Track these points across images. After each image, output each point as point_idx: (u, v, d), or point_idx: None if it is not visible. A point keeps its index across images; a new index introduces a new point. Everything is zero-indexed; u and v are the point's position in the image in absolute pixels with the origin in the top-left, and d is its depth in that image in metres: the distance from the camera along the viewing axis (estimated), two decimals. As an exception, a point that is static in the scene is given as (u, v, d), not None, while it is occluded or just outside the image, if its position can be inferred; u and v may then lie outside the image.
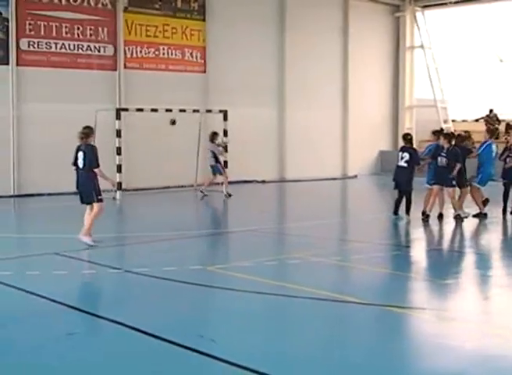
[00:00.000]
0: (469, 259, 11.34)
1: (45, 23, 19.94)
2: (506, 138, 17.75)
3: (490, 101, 29.99)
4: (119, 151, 19.13)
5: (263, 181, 24.42)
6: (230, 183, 20.16)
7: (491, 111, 29.13)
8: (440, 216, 14.47)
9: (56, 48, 20.19)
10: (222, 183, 19.72)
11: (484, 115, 29.40)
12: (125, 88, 21.45)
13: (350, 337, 6.85)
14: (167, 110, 20.16)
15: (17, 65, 19.52)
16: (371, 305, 7.82)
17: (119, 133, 19.12)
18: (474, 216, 14.72)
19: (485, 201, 15.00)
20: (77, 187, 11.62)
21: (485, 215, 14.77)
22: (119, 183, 18.14)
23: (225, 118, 20.86)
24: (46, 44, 19.99)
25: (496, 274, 9.85)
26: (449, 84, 30.39)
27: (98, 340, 6.71)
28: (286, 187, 24.40)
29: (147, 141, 21.34)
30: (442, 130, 16.30)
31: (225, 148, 20.24)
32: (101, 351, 6.27)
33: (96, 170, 11.37)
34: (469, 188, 14.83)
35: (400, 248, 11.95)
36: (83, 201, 11.62)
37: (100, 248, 11.15)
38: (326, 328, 7.09)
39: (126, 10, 21.58)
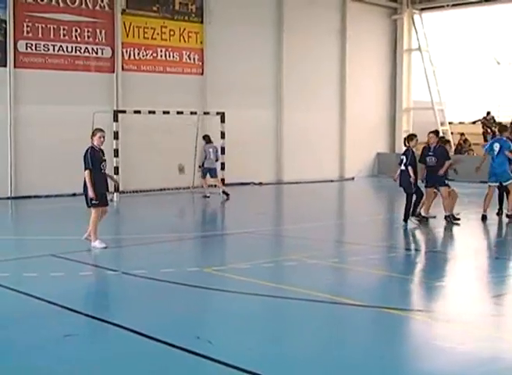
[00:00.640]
0: (467, 261, 11.35)
1: (43, 25, 19.95)
2: None
3: (487, 104, 30.05)
4: (116, 153, 19.14)
5: (260, 183, 24.43)
6: (227, 185, 20.22)
7: (488, 113, 29.19)
8: (448, 217, 14.38)
9: (54, 50, 20.19)
10: (216, 186, 19.90)
11: (481, 117, 29.46)
12: (122, 90, 21.45)
13: (346, 339, 6.86)
14: (164, 112, 20.17)
15: (15, 67, 19.51)
16: (368, 307, 7.83)
17: (116, 135, 19.14)
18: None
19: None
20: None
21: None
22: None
23: (223, 120, 20.89)
24: (44, 46, 19.99)
25: (493, 276, 9.88)
26: (446, 87, 30.45)
27: (96, 341, 6.72)
28: (283, 189, 24.41)
29: (144, 142, 21.35)
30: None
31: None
32: (99, 352, 6.28)
33: (85, 172, 11.17)
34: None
35: (397, 250, 11.97)
36: None
37: (97, 250, 11.15)
38: (323, 330, 7.11)
39: (123, 12, 21.58)
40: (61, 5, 20.25)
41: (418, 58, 29.95)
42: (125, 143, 20.24)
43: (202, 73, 23.39)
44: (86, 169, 11.13)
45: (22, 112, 19.67)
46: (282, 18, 25.47)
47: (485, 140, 28.70)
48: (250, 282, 8.92)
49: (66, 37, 20.39)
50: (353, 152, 28.09)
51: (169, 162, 21.39)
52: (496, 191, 15.19)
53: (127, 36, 21.72)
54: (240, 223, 15.27)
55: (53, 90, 20.09)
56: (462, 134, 29.12)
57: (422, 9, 30.14)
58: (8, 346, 6.47)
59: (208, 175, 19.70)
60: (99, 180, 11.24)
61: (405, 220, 13.93)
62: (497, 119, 29.15)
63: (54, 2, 20.14)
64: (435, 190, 14.58)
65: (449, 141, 15.98)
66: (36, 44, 19.85)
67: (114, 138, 19.03)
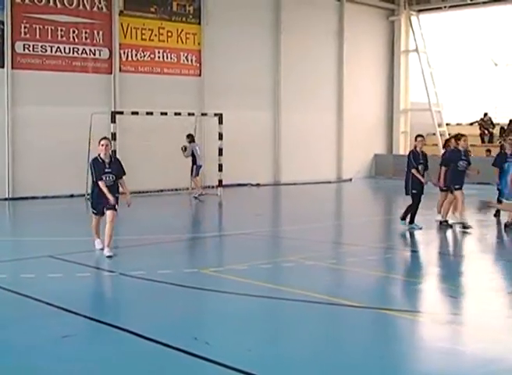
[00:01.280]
0: (465, 262, 11.37)
1: (41, 26, 19.94)
2: (500, 142, 17.61)
3: (485, 105, 30.09)
4: (113, 154, 19.11)
5: (258, 184, 24.44)
6: (224, 186, 20.24)
7: (485, 114, 29.24)
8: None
9: (51, 51, 20.19)
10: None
11: (478, 118, 29.49)
12: (120, 91, 21.45)
13: (344, 340, 6.86)
14: (162, 113, 20.14)
15: (12, 68, 19.50)
16: (366, 308, 7.84)
17: (114, 137, 19.10)
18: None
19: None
20: None
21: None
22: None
23: (221, 121, 20.87)
24: (41, 47, 19.99)
25: (491, 277, 9.89)
26: (443, 88, 30.49)
27: (93, 342, 6.71)
28: (281, 190, 24.43)
29: (142, 144, 21.34)
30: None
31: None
32: (96, 353, 6.28)
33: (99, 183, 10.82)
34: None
35: (394, 251, 11.97)
36: None
37: (95, 251, 11.14)
38: (321, 331, 7.11)
39: (121, 13, 21.59)
40: (58, 6, 20.26)
41: (416, 59, 29.99)
42: (122, 144, 20.18)
43: (200, 75, 23.40)
44: (96, 180, 10.85)
45: (19, 113, 19.65)
46: (280, 19, 25.50)
47: (483, 141, 28.78)
48: (248, 283, 8.92)
49: (64, 39, 20.39)
50: (351, 153, 28.12)
51: (167, 163, 21.39)
52: None
53: (125, 37, 21.72)
54: (238, 224, 15.27)
55: (51, 91, 20.09)
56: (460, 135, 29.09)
57: (419, 11, 30.20)
58: (7, 346, 6.48)
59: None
60: (98, 191, 10.91)
61: (402, 218, 13.92)
62: (494, 121, 29.22)
63: (51, 3, 20.13)
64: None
65: (464, 136, 14.94)
66: (33, 46, 19.85)
67: (112, 139, 18.99)
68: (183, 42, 23.07)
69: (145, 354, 6.19)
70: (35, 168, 19.66)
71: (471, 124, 30.10)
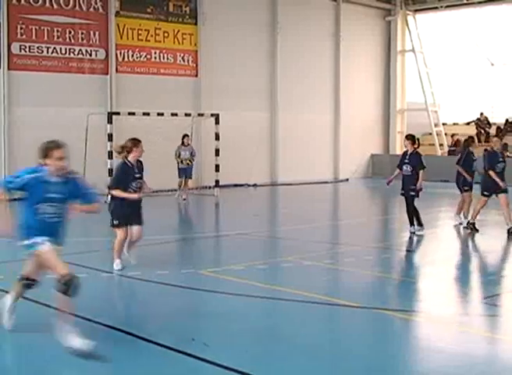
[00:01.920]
0: (463, 262, 11.38)
1: (37, 27, 19.93)
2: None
3: (481, 105, 30.13)
4: (110, 155, 19.08)
5: (254, 185, 24.44)
6: (221, 186, 20.23)
7: (481, 114, 29.27)
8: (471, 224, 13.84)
9: (48, 51, 20.18)
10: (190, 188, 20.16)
11: (475, 118, 29.53)
12: (116, 92, 21.44)
13: (343, 340, 6.86)
14: (159, 114, 20.15)
15: (8, 69, 19.50)
16: (364, 308, 7.84)
17: (110, 137, 19.09)
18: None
19: None
20: None
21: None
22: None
23: (217, 121, 20.87)
24: (38, 48, 19.98)
25: (489, 278, 9.89)
26: (440, 88, 30.53)
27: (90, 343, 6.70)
28: (278, 190, 24.43)
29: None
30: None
31: None
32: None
33: (113, 192, 9.64)
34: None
35: (391, 251, 11.98)
36: None
37: (92, 252, 11.13)
38: (318, 331, 7.11)
39: (117, 14, 21.59)
40: (54, 7, 20.25)
41: (412, 59, 30.05)
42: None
43: (196, 75, 23.40)
44: (112, 188, 9.67)
45: (16, 114, 19.64)
46: (276, 20, 25.52)
47: (479, 141, 28.77)
48: (246, 284, 8.92)
49: (60, 39, 20.38)
50: (348, 154, 28.15)
51: (164, 164, 21.34)
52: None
53: (121, 38, 21.72)
54: (235, 224, 15.25)
55: (47, 92, 20.08)
56: (453, 135, 29.13)
57: (416, 11, 30.25)
58: (6, 346, 6.51)
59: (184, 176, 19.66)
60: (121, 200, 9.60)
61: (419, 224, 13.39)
62: (491, 120, 29.25)
63: (47, 4, 20.12)
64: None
65: (473, 140, 14.67)
66: (30, 46, 19.84)
67: (108, 140, 18.98)
68: (179, 43, 23.07)
69: (142, 355, 6.17)
70: (31, 169, 19.60)
71: (468, 124, 30.16)
